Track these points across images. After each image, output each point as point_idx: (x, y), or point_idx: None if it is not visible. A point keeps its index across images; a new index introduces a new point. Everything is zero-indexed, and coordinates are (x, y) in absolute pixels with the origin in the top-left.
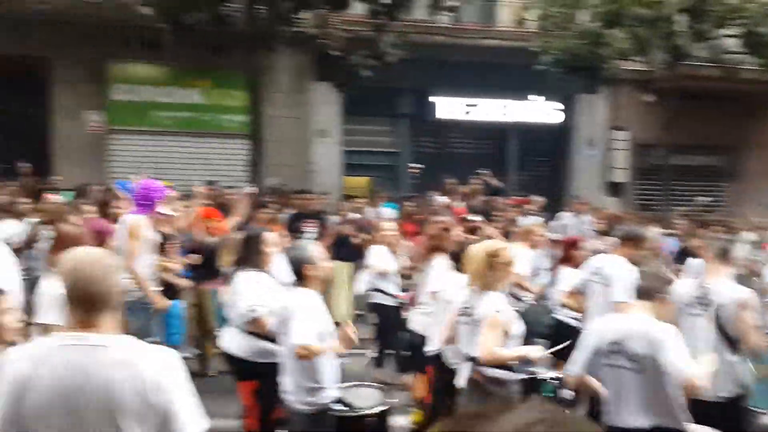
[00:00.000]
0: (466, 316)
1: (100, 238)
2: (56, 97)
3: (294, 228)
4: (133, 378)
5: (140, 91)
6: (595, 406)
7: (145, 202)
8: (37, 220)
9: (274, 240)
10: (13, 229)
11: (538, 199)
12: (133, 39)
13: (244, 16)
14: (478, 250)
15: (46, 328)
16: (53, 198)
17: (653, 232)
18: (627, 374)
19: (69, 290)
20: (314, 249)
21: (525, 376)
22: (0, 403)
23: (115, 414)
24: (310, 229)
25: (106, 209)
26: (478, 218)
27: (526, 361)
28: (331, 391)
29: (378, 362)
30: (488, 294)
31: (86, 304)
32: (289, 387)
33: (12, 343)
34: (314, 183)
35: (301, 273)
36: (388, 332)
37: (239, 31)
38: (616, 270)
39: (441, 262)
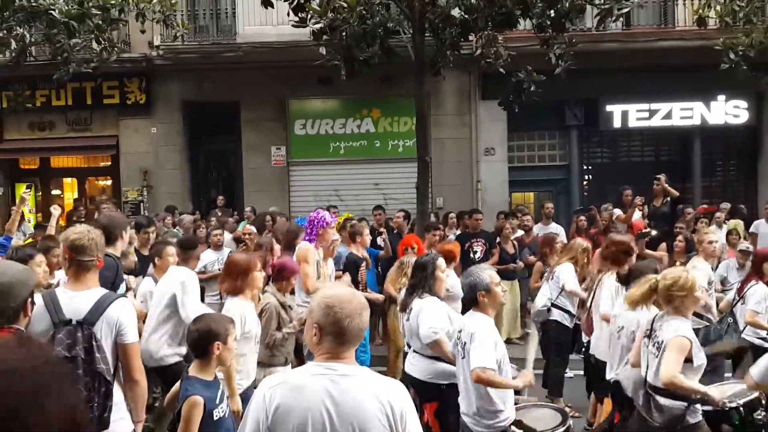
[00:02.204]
0: (648, 338)
1: (282, 274)
2: (245, 135)
3: (462, 248)
4: (381, 407)
5: (318, 125)
6: None
7: (314, 231)
8: (230, 249)
9: (445, 265)
10: (209, 257)
11: (727, 207)
12: (310, 77)
13: (412, 46)
14: (655, 279)
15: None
16: (250, 228)
17: None
18: None
19: (325, 323)
20: (490, 275)
21: (710, 408)
22: (254, 427)
23: None
24: (478, 248)
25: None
26: (654, 232)
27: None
28: (508, 413)
29: (544, 382)
30: (674, 318)
31: (340, 337)
32: (467, 410)
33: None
34: (482, 202)
35: (476, 299)
36: (560, 352)
37: (407, 60)
38: None
39: (613, 284)
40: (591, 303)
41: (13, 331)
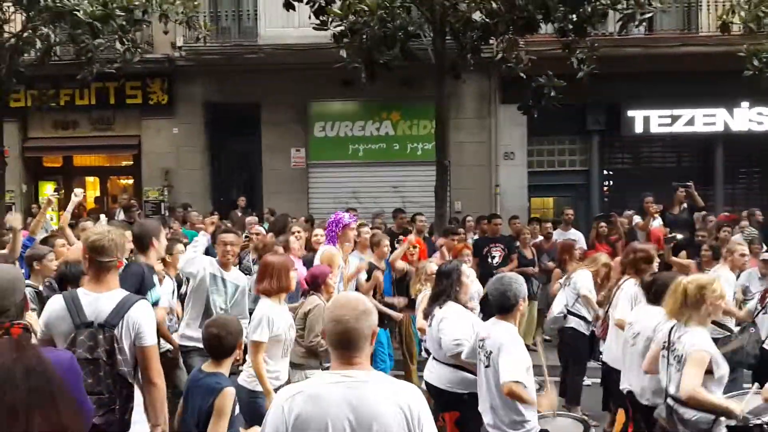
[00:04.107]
0: (668, 350)
1: (316, 281)
2: (265, 136)
3: (480, 253)
4: (399, 410)
5: (337, 127)
6: None
7: (335, 234)
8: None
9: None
10: None
11: (756, 213)
12: (331, 80)
13: (432, 49)
14: (686, 282)
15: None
16: (259, 229)
17: None
18: None
19: (327, 330)
20: (521, 284)
21: (732, 423)
22: None
23: None
24: (497, 253)
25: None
26: (680, 236)
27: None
28: (534, 423)
29: (561, 391)
30: (693, 329)
31: (343, 342)
32: (492, 420)
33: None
34: (501, 206)
35: (511, 307)
36: (577, 360)
37: (427, 63)
38: None
39: (632, 290)
40: (608, 308)
41: (22, 326)
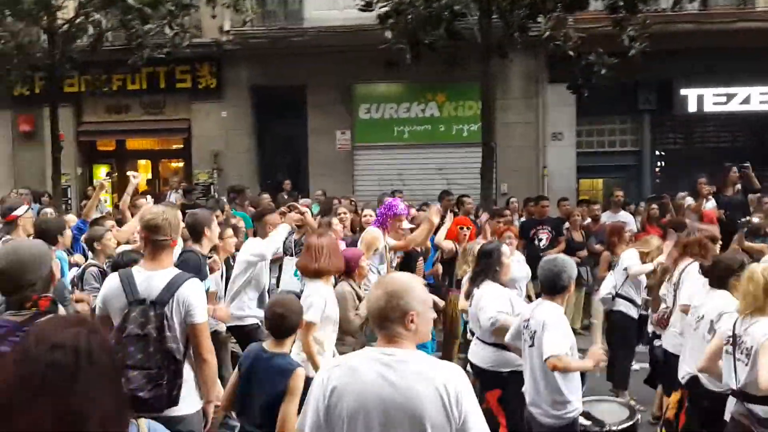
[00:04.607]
0: (734, 345)
1: (348, 266)
2: (311, 119)
3: (527, 235)
4: (435, 391)
5: (382, 109)
6: None
7: (386, 218)
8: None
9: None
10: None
11: None
12: (376, 61)
13: (478, 28)
14: (756, 270)
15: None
16: (305, 201)
17: None
18: None
19: (368, 309)
20: (573, 268)
21: None
22: (314, 408)
23: (419, 424)
24: (544, 236)
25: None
26: (756, 219)
27: None
28: (577, 405)
29: (609, 375)
30: (761, 319)
31: (379, 321)
32: (534, 400)
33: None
34: (548, 188)
35: (562, 288)
36: (625, 344)
37: (473, 43)
38: None
39: (694, 274)
40: (675, 296)
41: (50, 299)
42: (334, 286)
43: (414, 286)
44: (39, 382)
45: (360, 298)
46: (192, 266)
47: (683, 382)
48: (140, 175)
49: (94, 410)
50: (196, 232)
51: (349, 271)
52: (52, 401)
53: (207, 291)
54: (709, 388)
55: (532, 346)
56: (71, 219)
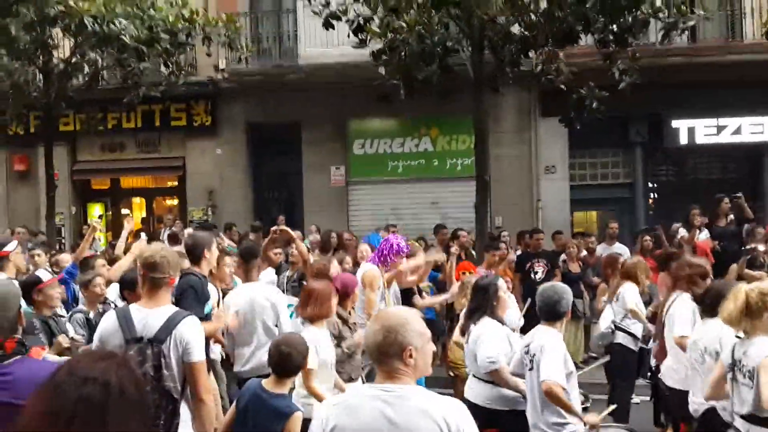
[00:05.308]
0: (733, 371)
1: (345, 291)
2: (305, 155)
3: (523, 268)
4: (436, 426)
5: (377, 144)
6: None
7: (385, 256)
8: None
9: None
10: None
11: None
12: (369, 97)
13: (471, 64)
14: (748, 290)
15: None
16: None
17: None
18: None
19: (365, 345)
20: (571, 295)
21: None
22: None
23: None
24: (540, 269)
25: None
26: (762, 247)
27: None
28: (575, 428)
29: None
30: (759, 339)
31: (378, 356)
32: (535, 421)
33: None
34: (542, 221)
35: (558, 316)
36: (625, 377)
37: (466, 77)
38: None
39: (687, 304)
40: (663, 328)
41: (16, 340)
42: None
43: (411, 320)
44: (70, 415)
45: (346, 323)
46: (191, 290)
47: (696, 415)
48: (132, 222)
49: None
50: (195, 254)
51: (344, 296)
52: None
53: (209, 313)
54: (727, 420)
55: (531, 369)
56: (65, 259)
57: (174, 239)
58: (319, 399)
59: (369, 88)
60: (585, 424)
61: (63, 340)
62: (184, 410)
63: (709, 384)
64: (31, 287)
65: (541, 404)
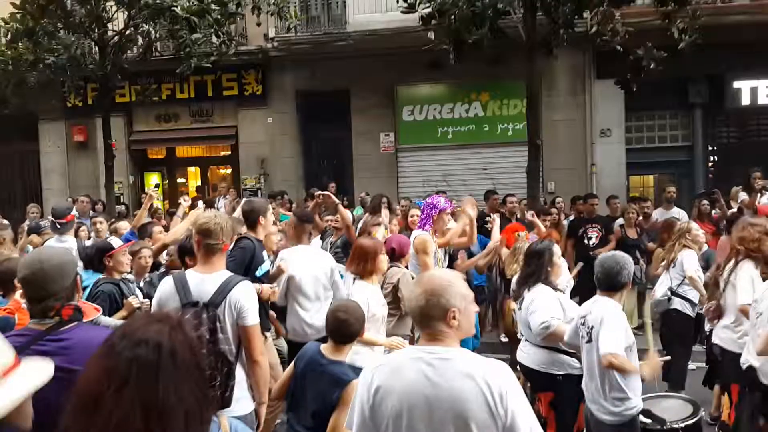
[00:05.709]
0: None
1: (401, 251)
2: (355, 122)
3: (576, 234)
4: (478, 388)
5: (426, 110)
6: None
7: (429, 217)
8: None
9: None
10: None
11: None
12: (418, 63)
13: (523, 26)
14: None
15: None
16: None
17: None
18: None
19: (408, 308)
20: (632, 265)
21: None
22: (360, 407)
23: (464, 423)
24: (594, 234)
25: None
26: None
27: None
28: (637, 402)
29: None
30: None
31: (420, 318)
32: (593, 396)
33: None
34: (597, 186)
35: (618, 287)
36: (682, 343)
37: (518, 41)
38: None
39: (751, 271)
40: (724, 288)
41: (73, 307)
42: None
43: (453, 283)
44: (123, 376)
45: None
46: (243, 251)
47: (743, 368)
48: (188, 201)
49: (177, 405)
50: (250, 219)
51: (400, 257)
52: (137, 395)
53: (267, 273)
54: (763, 382)
55: (589, 341)
56: (123, 226)
57: None
58: (375, 344)
59: (418, 54)
60: (651, 376)
61: (134, 301)
62: (239, 372)
63: (762, 339)
64: (103, 253)
65: (600, 377)
